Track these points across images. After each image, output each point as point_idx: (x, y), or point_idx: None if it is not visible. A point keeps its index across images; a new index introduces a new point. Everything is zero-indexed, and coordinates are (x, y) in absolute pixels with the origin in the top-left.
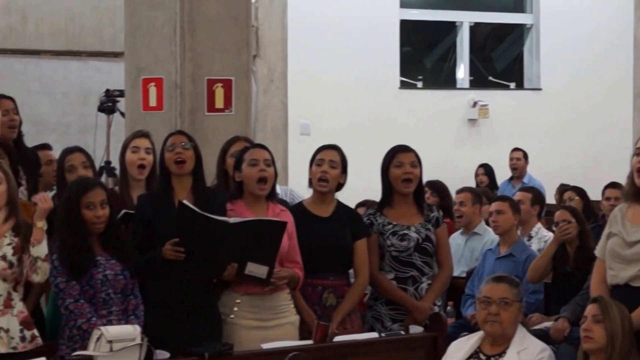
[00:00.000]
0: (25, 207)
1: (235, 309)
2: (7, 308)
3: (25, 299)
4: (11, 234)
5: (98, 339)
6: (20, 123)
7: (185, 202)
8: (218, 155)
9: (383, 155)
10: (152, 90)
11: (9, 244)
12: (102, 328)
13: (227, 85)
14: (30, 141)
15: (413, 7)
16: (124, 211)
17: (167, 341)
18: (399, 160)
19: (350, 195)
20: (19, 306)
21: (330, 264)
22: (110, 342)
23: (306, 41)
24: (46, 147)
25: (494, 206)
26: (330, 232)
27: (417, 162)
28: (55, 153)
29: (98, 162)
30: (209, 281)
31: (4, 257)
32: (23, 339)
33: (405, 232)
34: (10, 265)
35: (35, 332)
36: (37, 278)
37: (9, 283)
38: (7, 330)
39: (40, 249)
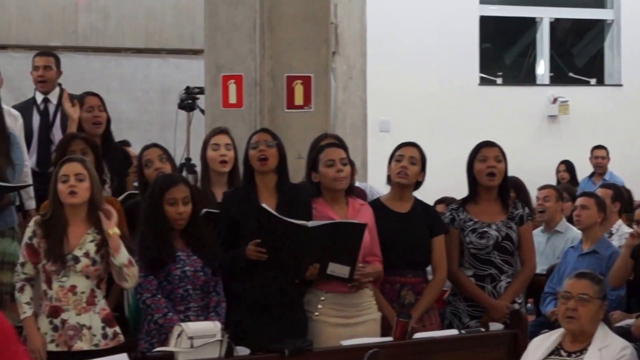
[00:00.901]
0: (112, 204)
1: (320, 306)
2: (89, 305)
3: (108, 295)
4: (94, 231)
5: (179, 335)
6: (109, 121)
7: (265, 206)
8: (308, 153)
9: (462, 152)
10: (232, 87)
11: (91, 241)
12: (183, 324)
13: (306, 82)
14: None
15: (493, 3)
16: (204, 210)
17: (250, 338)
18: (483, 155)
19: (428, 193)
20: (101, 303)
21: (408, 260)
22: (191, 338)
23: (385, 38)
24: (125, 144)
25: (580, 201)
26: (408, 229)
27: (502, 157)
28: (136, 150)
29: (178, 160)
30: (291, 280)
31: (86, 255)
32: (105, 336)
33: (486, 229)
34: (93, 262)
35: (117, 329)
36: (128, 284)
37: (92, 280)
38: (89, 328)
39: (121, 256)
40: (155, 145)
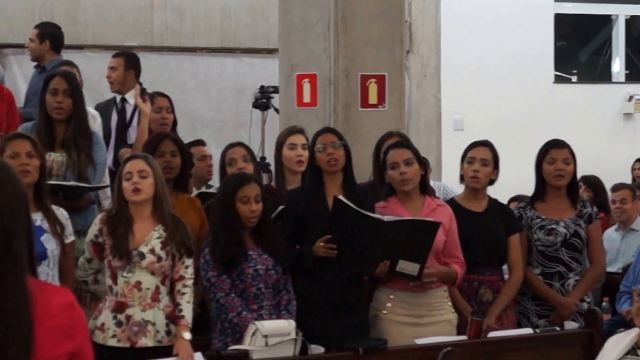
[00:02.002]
0: (194, 203)
1: (388, 304)
2: (154, 302)
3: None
4: (160, 228)
5: (253, 333)
6: (175, 123)
7: (340, 197)
8: (373, 152)
9: (536, 151)
10: (306, 86)
11: (157, 238)
12: (258, 323)
13: (380, 80)
14: (185, 137)
15: (568, 0)
16: (280, 207)
17: (318, 336)
18: (551, 157)
19: (503, 191)
20: (165, 300)
21: (485, 259)
22: (265, 336)
23: (459, 36)
24: (200, 142)
25: None
26: (485, 227)
27: (571, 159)
28: (210, 149)
29: None
30: (359, 278)
31: (152, 251)
32: (169, 332)
33: (554, 226)
34: (159, 259)
35: None
36: None
37: (157, 277)
38: (153, 324)
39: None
40: (240, 144)
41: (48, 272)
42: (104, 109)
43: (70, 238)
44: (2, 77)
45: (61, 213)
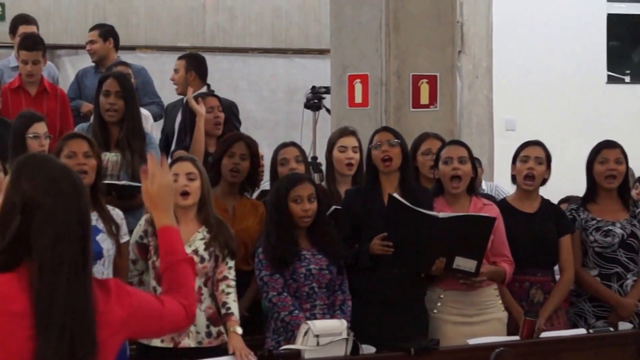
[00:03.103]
0: (257, 207)
1: (439, 304)
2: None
3: (244, 293)
4: (204, 230)
5: (305, 333)
6: (226, 120)
7: (395, 195)
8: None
9: (588, 151)
10: (358, 86)
11: (201, 239)
12: (309, 322)
13: (432, 81)
14: None
15: (621, 0)
16: (333, 207)
17: (374, 336)
18: (603, 157)
19: (553, 192)
20: (207, 302)
21: (537, 260)
22: (317, 336)
23: (511, 36)
24: None
25: None
26: (537, 228)
27: (623, 159)
28: (262, 150)
29: None
30: (416, 276)
31: (195, 252)
32: (209, 334)
33: (610, 228)
34: (202, 260)
35: (222, 328)
36: None
37: (200, 278)
38: (195, 325)
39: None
40: (293, 144)
41: (103, 271)
42: (172, 108)
43: (125, 238)
44: (57, 78)
45: (116, 213)
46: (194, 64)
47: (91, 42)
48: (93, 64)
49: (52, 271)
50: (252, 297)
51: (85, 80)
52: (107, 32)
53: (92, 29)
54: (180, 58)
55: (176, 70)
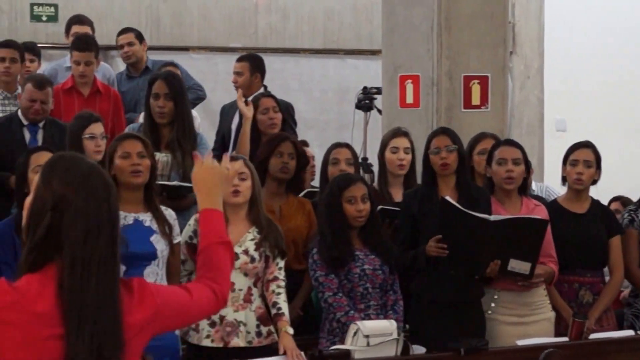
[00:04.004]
0: (304, 205)
1: (493, 305)
2: (246, 302)
3: (296, 294)
4: (254, 230)
5: (355, 333)
6: (283, 121)
7: (447, 198)
8: (467, 149)
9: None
10: (409, 87)
11: (251, 240)
12: (359, 323)
13: (483, 81)
14: None
15: None
16: (380, 207)
17: (431, 337)
18: None
19: (605, 192)
20: (257, 302)
21: (586, 261)
22: (367, 336)
23: (563, 37)
24: (303, 143)
25: None
26: (586, 229)
27: None
28: (313, 150)
29: None
30: (471, 278)
31: (246, 252)
32: (259, 334)
33: None
34: (252, 260)
35: (272, 328)
36: None
37: (250, 278)
38: (245, 324)
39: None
40: (347, 145)
41: (157, 271)
42: (228, 109)
43: (177, 238)
44: (113, 80)
45: (169, 213)
46: (258, 66)
47: (129, 44)
48: (122, 72)
49: (82, 268)
50: (305, 296)
51: (121, 87)
52: (140, 34)
53: (125, 32)
54: (240, 60)
55: (239, 73)
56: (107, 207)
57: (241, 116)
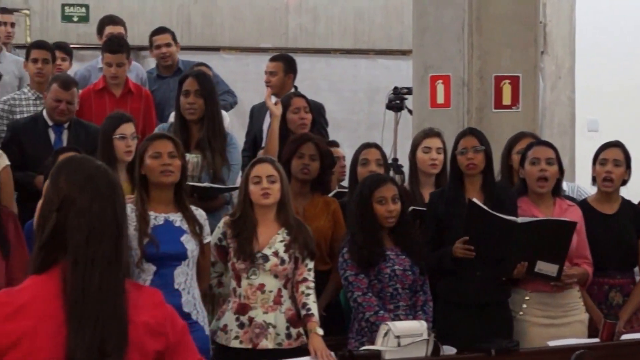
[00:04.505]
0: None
1: (524, 305)
2: (276, 304)
3: (319, 295)
4: (284, 231)
5: (386, 334)
6: (313, 122)
7: (475, 200)
8: (503, 152)
9: None
10: (440, 87)
11: (281, 241)
12: (390, 323)
13: (514, 82)
14: None
15: None
16: (411, 208)
17: (457, 337)
18: None
19: (635, 192)
20: (287, 304)
21: (616, 261)
22: (397, 337)
23: (594, 37)
24: (334, 144)
25: None
26: (616, 230)
27: None
28: (343, 150)
29: None
30: (498, 279)
31: (275, 254)
32: (289, 336)
33: None
34: (282, 261)
35: (301, 330)
36: None
37: (280, 280)
38: (274, 326)
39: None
40: (376, 146)
41: (187, 272)
42: (258, 110)
43: (208, 238)
44: (145, 80)
45: (200, 214)
46: (292, 66)
47: (167, 45)
48: (149, 70)
49: (85, 267)
50: (329, 297)
51: (150, 86)
52: (175, 36)
53: (161, 32)
54: (274, 60)
55: (272, 73)
56: (112, 208)
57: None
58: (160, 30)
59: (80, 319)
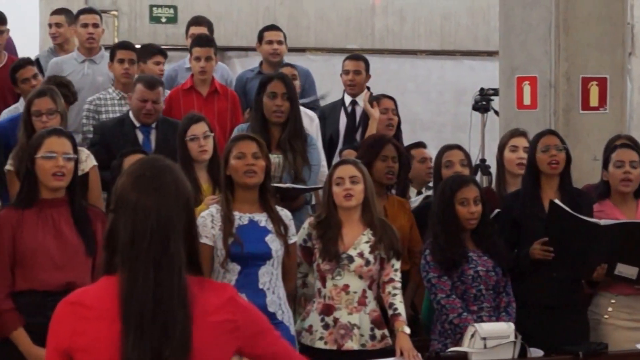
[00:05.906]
0: (404, 204)
1: (610, 309)
2: (360, 305)
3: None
4: (368, 232)
5: (472, 335)
6: (399, 123)
7: (556, 201)
8: (603, 154)
9: None
10: (527, 88)
11: (366, 242)
12: (476, 325)
13: (602, 83)
14: (405, 140)
15: None
16: (497, 210)
17: (535, 339)
18: None
19: None
20: (372, 305)
21: None
22: (484, 339)
23: None
24: (421, 145)
25: None
26: None
27: None
28: (430, 151)
29: (473, 161)
30: (576, 281)
31: (360, 255)
32: (373, 337)
33: None
34: (367, 262)
35: (386, 331)
36: None
37: (365, 281)
38: (359, 327)
39: None
40: (458, 147)
41: (272, 271)
42: (330, 111)
43: (293, 238)
44: (231, 81)
45: (285, 214)
46: (369, 66)
47: (279, 42)
48: (253, 69)
49: (130, 268)
50: (411, 296)
51: (250, 84)
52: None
53: (275, 29)
54: (356, 59)
55: (357, 72)
56: (157, 208)
57: (348, 116)
58: (274, 27)
59: (128, 321)
